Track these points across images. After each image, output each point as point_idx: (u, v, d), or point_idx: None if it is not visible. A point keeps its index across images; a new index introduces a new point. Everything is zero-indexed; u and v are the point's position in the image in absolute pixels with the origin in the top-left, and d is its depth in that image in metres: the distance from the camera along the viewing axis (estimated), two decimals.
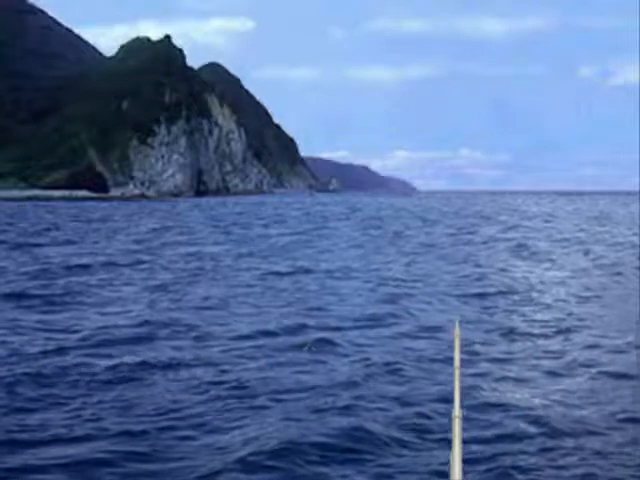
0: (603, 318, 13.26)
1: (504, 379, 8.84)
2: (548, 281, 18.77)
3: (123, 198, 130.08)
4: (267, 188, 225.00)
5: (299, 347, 10.38)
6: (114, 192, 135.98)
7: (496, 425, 7.08)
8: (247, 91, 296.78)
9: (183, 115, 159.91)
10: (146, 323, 12.10)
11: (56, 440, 6.68)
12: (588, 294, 16.33)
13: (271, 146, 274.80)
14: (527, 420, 7.23)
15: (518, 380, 8.81)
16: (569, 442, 6.70)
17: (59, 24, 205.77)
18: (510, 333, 11.68)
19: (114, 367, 9.15)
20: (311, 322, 12.32)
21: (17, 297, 15.11)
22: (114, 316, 12.89)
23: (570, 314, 13.61)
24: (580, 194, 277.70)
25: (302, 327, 11.87)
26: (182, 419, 7.31)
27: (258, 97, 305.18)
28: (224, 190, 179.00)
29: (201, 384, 8.53)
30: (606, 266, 22.28)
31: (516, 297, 15.82)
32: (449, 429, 2.07)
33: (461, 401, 2.16)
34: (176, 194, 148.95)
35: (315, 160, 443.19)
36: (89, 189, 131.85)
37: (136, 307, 13.98)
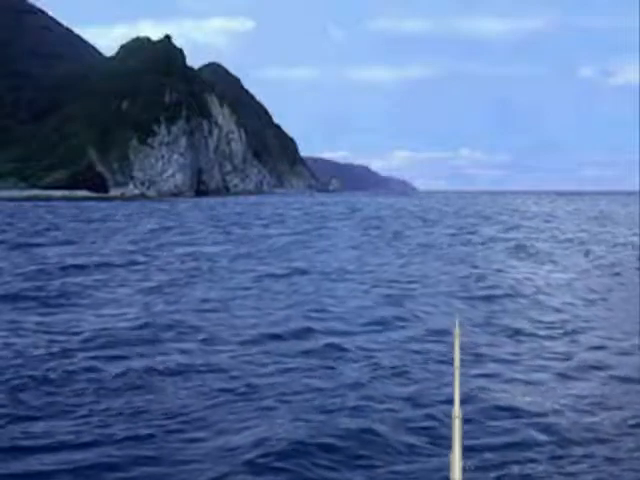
0: (608, 320, 13.20)
1: (513, 381, 8.78)
2: (552, 283, 18.69)
3: (123, 198, 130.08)
4: (267, 188, 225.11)
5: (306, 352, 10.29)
6: (114, 192, 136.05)
7: (506, 432, 7.00)
8: (247, 91, 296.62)
9: (183, 115, 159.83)
10: (149, 325, 12.03)
11: (63, 446, 6.61)
12: (593, 296, 16.26)
13: (271, 146, 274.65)
14: (537, 427, 7.13)
15: (527, 382, 8.74)
16: (579, 449, 6.62)
17: (59, 24, 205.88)
18: (516, 334, 11.61)
19: (121, 371, 9.07)
20: (317, 326, 12.16)
21: (17, 297, 15.04)
22: (115, 317, 12.83)
23: (576, 316, 13.55)
24: (580, 194, 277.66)
25: (308, 331, 11.74)
26: (189, 422, 7.25)
27: (258, 97, 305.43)
28: (224, 190, 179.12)
29: (208, 387, 8.45)
30: (607, 267, 22.21)
31: (521, 299, 15.74)
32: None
33: (460, 401, 2.14)
34: (176, 194, 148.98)
35: (315, 160, 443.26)
36: (89, 189, 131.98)
37: (136, 308, 13.90)
